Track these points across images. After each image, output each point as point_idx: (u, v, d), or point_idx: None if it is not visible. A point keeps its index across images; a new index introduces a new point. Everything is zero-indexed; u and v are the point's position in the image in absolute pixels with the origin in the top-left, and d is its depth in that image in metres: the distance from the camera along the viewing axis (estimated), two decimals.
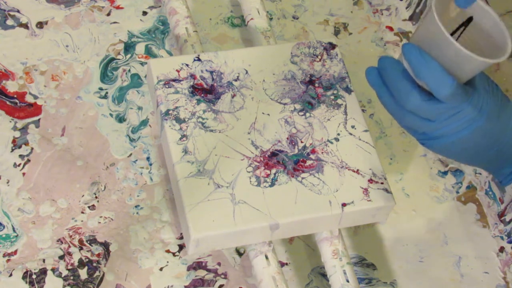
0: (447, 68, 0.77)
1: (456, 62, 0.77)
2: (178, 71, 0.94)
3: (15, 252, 0.91)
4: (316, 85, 0.96)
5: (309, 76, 0.96)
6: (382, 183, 0.91)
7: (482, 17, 0.81)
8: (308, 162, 0.91)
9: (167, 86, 0.92)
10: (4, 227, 0.92)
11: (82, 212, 0.95)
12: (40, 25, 1.06)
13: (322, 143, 0.92)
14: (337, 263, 0.89)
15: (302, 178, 0.89)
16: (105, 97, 1.02)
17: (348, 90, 0.96)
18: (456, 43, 0.76)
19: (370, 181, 0.91)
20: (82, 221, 0.94)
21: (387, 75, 0.79)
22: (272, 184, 0.88)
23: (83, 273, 0.91)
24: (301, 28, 1.13)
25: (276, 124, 0.92)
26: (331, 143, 0.92)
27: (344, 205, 0.89)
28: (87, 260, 0.92)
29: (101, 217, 0.95)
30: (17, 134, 0.98)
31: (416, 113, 0.79)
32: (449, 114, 0.78)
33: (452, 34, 0.80)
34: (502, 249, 1.01)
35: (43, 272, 0.91)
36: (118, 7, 1.09)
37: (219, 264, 0.95)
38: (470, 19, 0.80)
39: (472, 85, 0.79)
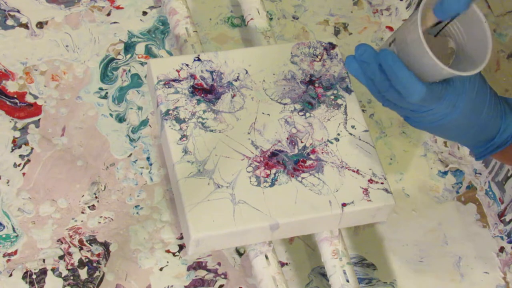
0: (423, 73, 0.80)
1: (432, 71, 0.79)
2: (178, 71, 0.94)
3: (15, 252, 0.91)
4: (316, 85, 0.96)
5: (309, 76, 0.96)
6: (382, 183, 0.91)
7: (470, 17, 0.81)
8: (308, 162, 0.91)
9: (167, 86, 0.92)
10: (4, 227, 0.92)
11: (82, 212, 0.95)
12: (40, 25, 1.06)
13: (322, 143, 0.92)
14: (337, 263, 0.89)
15: (302, 178, 0.89)
16: (105, 97, 1.02)
17: (348, 90, 0.96)
18: (437, 60, 0.77)
19: (370, 181, 0.90)
20: (82, 221, 0.94)
21: (366, 68, 0.82)
22: (272, 184, 0.88)
23: (83, 273, 0.91)
24: (301, 28, 1.13)
25: (276, 124, 0.92)
26: (331, 143, 0.92)
27: (344, 205, 0.88)
28: (87, 260, 0.92)
29: (101, 217, 0.95)
30: (17, 134, 0.98)
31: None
32: (423, 110, 0.82)
33: (435, 25, 0.81)
34: (502, 249, 1.01)
35: (43, 272, 0.91)
36: (118, 7, 1.09)
37: (219, 264, 0.95)
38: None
39: (448, 80, 0.81)
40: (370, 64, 0.81)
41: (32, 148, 0.97)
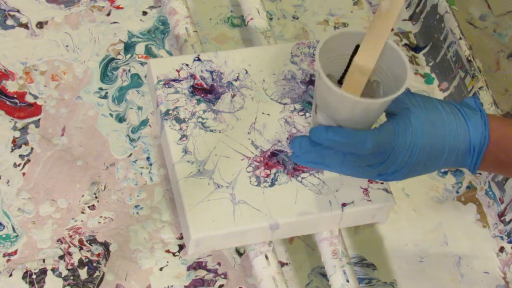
0: (358, 120, 0.78)
1: (359, 109, 0.77)
2: (178, 71, 0.94)
3: (15, 252, 0.91)
4: None
5: (309, 76, 0.96)
6: (382, 183, 0.91)
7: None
8: None
9: (167, 86, 0.92)
10: (4, 227, 0.92)
11: (82, 212, 0.95)
12: (40, 25, 1.06)
13: None
14: (337, 263, 0.89)
15: (302, 178, 0.89)
16: (105, 97, 1.02)
17: None
18: (348, 95, 0.76)
19: (370, 181, 0.90)
20: (82, 221, 0.94)
21: (313, 157, 0.80)
22: (272, 184, 0.88)
23: (83, 273, 0.91)
24: (301, 28, 1.13)
25: (276, 124, 0.92)
26: None
27: (344, 205, 0.89)
28: (87, 260, 0.92)
29: (101, 217, 0.95)
30: (17, 134, 0.98)
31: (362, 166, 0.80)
32: (384, 158, 0.80)
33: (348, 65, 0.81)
34: (502, 249, 1.01)
35: (43, 272, 0.91)
36: (118, 7, 1.09)
37: (219, 264, 0.95)
38: (357, 47, 0.80)
39: (392, 116, 0.80)
40: (311, 152, 0.79)
41: (32, 148, 0.97)
